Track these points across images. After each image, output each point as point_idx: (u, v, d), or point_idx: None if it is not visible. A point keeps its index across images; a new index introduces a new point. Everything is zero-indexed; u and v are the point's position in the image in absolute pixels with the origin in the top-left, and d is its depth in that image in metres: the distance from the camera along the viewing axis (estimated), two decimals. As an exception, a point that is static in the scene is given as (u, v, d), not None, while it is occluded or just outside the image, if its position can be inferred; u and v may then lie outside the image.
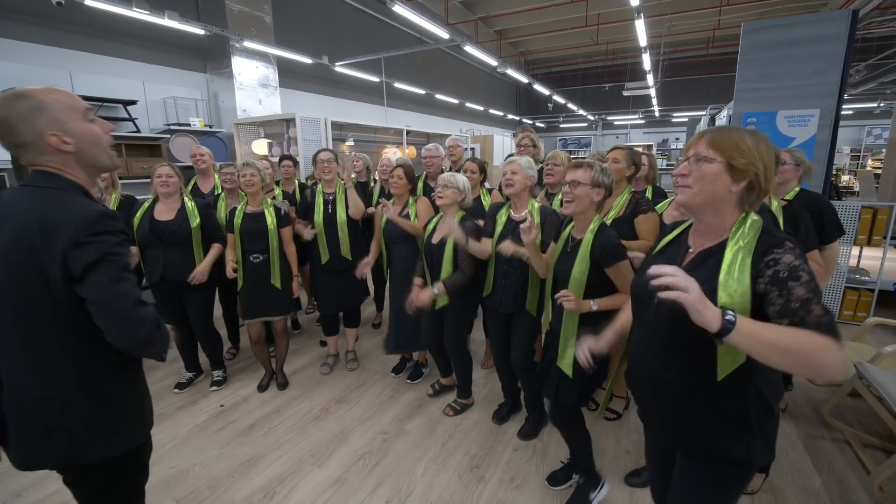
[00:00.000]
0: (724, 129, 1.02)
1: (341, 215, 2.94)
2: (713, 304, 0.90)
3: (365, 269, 2.93)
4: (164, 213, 2.69)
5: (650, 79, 11.65)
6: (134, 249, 2.44)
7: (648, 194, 2.83)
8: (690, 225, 1.17)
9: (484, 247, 2.30)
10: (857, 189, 9.82)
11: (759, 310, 0.95)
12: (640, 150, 2.77)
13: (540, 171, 2.93)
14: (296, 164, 4.08)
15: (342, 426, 2.57)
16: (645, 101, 16.88)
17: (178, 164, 5.32)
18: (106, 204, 2.75)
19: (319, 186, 2.99)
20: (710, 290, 0.97)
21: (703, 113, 9.03)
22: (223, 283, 3.02)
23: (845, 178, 11.43)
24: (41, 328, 1.01)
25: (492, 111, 17.00)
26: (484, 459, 2.28)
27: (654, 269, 0.92)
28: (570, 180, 1.70)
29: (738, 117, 4.17)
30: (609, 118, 19.56)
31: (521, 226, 1.83)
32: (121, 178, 3.38)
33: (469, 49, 8.00)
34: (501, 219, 2.30)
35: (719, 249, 1.02)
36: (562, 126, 21.30)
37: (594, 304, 1.67)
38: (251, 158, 3.80)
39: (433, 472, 2.19)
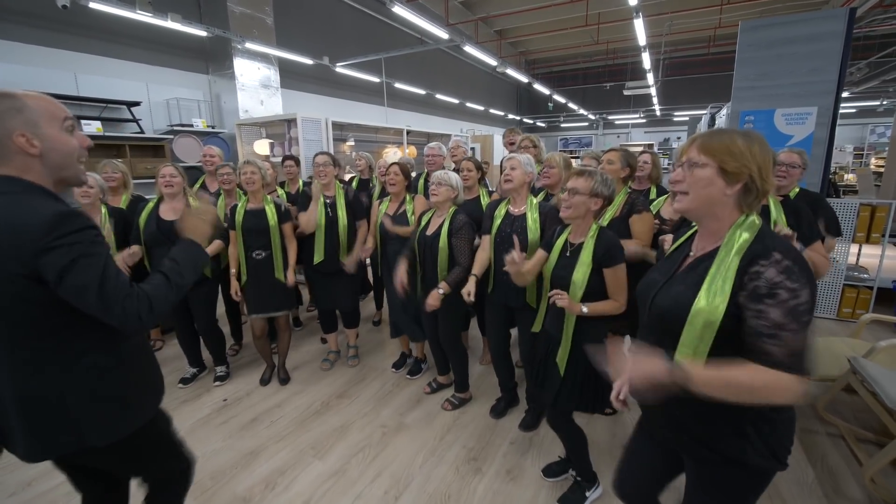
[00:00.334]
0: (716, 133, 1.03)
1: (342, 218, 2.98)
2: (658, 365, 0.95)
3: (366, 255, 3.04)
4: (170, 212, 2.74)
5: (650, 78, 11.66)
6: (136, 248, 2.49)
7: (652, 193, 2.86)
8: (695, 231, 1.16)
9: (485, 255, 2.35)
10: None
11: (737, 318, 0.95)
12: (642, 149, 2.79)
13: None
14: (298, 164, 4.13)
15: (342, 420, 2.62)
16: (646, 101, 16.89)
17: (182, 164, 5.39)
18: (115, 205, 2.81)
19: (318, 185, 3.02)
20: (693, 296, 1.00)
21: (705, 112, 9.06)
22: (226, 281, 3.06)
23: (848, 176, 11.41)
24: (20, 328, 1.03)
25: (492, 111, 17.04)
26: (481, 452, 2.32)
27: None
28: (570, 187, 1.72)
29: (736, 116, 4.19)
30: (610, 117, 19.57)
31: (506, 258, 1.81)
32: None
33: (469, 49, 8.04)
34: (500, 213, 2.34)
35: (713, 255, 1.02)
36: (562, 126, 21.32)
37: (585, 308, 1.68)
38: (252, 157, 3.85)
39: (431, 465, 2.23)
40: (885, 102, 14.01)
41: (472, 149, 8.48)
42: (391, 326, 3.08)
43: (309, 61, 7.87)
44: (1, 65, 4.65)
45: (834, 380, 2.65)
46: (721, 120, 6.53)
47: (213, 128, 6.66)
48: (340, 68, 8.93)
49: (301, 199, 3.12)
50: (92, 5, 4.63)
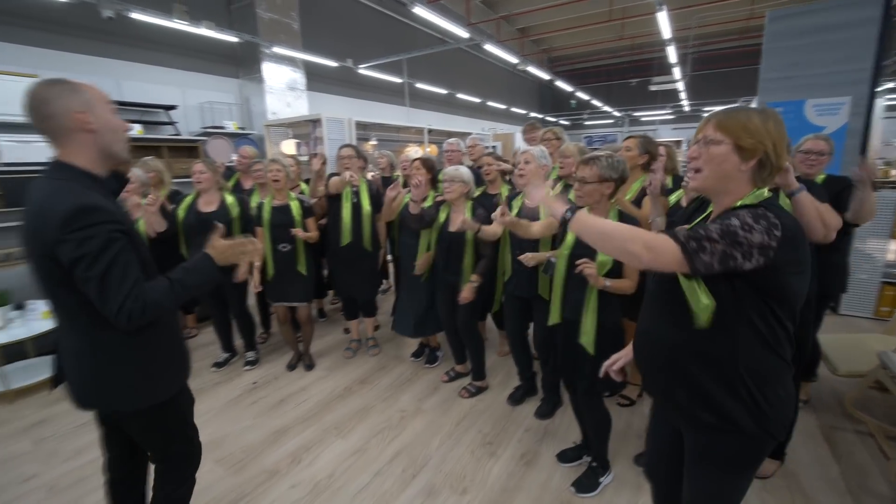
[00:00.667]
0: (732, 111, 1.05)
1: (366, 208, 3.10)
2: (560, 202, 1.21)
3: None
4: (206, 205, 2.96)
5: (677, 72, 11.40)
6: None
7: (669, 183, 2.85)
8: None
9: (495, 229, 2.41)
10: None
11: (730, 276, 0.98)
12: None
13: None
14: (324, 161, 4.28)
15: (363, 403, 2.74)
16: (673, 96, 16.49)
17: (225, 163, 5.64)
18: (156, 199, 3.00)
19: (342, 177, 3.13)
20: None
21: (735, 106, 8.81)
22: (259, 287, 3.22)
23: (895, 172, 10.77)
24: (57, 297, 1.16)
25: (514, 109, 16.97)
26: (496, 437, 2.39)
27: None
28: (579, 178, 1.79)
29: (763, 107, 4.10)
30: (636, 114, 19.18)
31: (494, 214, 1.90)
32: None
33: (490, 48, 8.08)
34: (516, 205, 2.40)
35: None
36: (586, 123, 21.03)
37: (608, 283, 1.74)
38: (277, 156, 4.02)
39: (447, 447, 2.32)
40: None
41: (493, 147, 8.52)
42: (395, 322, 3.12)
43: (333, 63, 8.08)
44: (51, 73, 4.95)
45: (863, 375, 2.59)
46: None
47: (243, 129, 6.94)
48: (363, 70, 9.12)
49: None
50: (133, 15, 4.91)
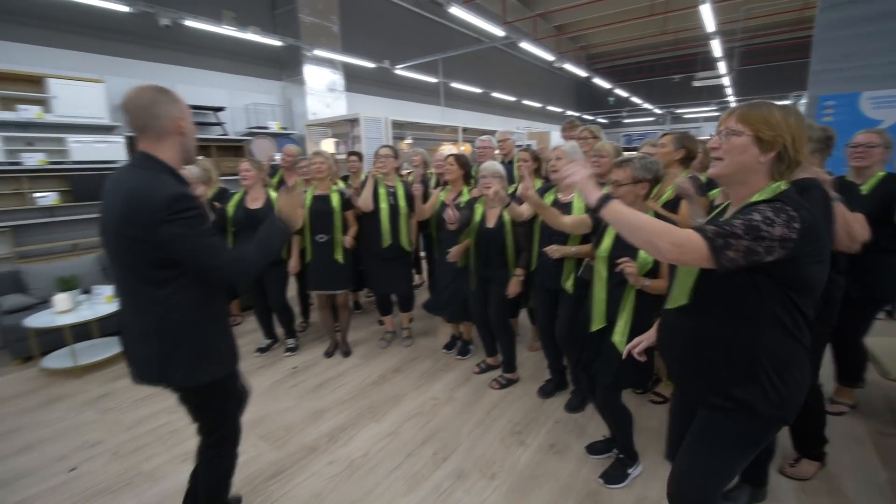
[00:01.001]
0: (755, 104, 1.08)
1: (403, 207, 3.20)
2: (596, 189, 1.15)
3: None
4: (253, 201, 3.14)
5: (722, 67, 10.95)
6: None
7: (703, 179, 2.80)
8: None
9: (525, 209, 2.44)
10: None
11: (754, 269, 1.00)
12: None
13: None
14: (361, 158, 4.43)
15: (397, 390, 2.84)
16: (719, 92, 15.84)
17: (271, 161, 5.92)
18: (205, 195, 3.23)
19: (380, 178, 3.24)
20: None
21: (788, 102, 8.40)
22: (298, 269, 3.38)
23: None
24: (135, 278, 1.31)
25: (550, 108, 16.78)
26: (526, 427, 2.43)
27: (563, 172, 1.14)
28: (613, 181, 1.81)
29: (814, 101, 3.92)
30: (678, 111, 18.54)
31: (486, 193, 1.95)
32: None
33: (525, 46, 8.07)
34: (548, 200, 2.42)
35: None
36: (625, 121, 20.51)
37: (647, 282, 1.75)
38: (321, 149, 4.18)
39: (478, 434, 2.38)
40: None
41: (528, 145, 8.48)
42: (429, 302, 3.25)
43: (371, 65, 8.29)
44: (114, 78, 5.39)
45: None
46: (799, 109, 6.06)
47: (285, 129, 7.24)
48: (400, 70, 9.30)
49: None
50: (187, 23, 5.24)
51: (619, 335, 1.80)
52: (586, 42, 17.28)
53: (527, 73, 15.78)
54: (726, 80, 12.51)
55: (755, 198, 1.06)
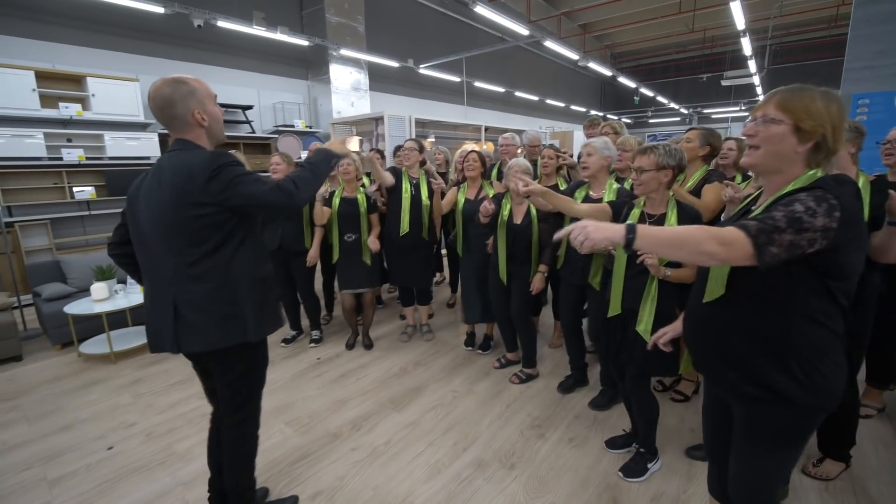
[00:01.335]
0: (796, 91, 1.03)
1: (425, 200, 3.25)
2: (616, 225, 1.03)
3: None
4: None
5: (752, 66, 10.67)
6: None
7: (737, 180, 2.76)
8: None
9: (560, 202, 2.38)
10: None
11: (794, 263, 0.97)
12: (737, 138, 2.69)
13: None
14: (383, 156, 4.51)
15: (418, 383, 2.89)
16: (749, 91, 15.44)
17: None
18: None
19: (404, 170, 3.30)
20: None
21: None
22: (323, 259, 3.47)
23: None
24: (194, 250, 1.36)
25: (573, 107, 16.63)
26: (545, 421, 2.45)
27: (556, 236, 1.10)
28: (637, 167, 1.81)
29: (848, 99, 3.81)
30: (706, 111, 18.13)
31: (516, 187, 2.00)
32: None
33: (550, 44, 8.03)
34: (579, 196, 2.44)
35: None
36: (651, 122, 20.16)
37: (668, 272, 1.76)
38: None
39: (497, 426, 2.41)
40: None
41: (551, 145, 8.45)
42: (464, 310, 3.27)
43: (395, 64, 8.39)
44: (148, 77, 5.60)
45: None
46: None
47: (310, 128, 7.40)
48: (423, 69, 9.37)
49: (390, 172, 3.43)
50: (220, 24, 5.41)
51: (643, 325, 1.81)
52: (611, 41, 17.05)
53: (550, 72, 15.68)
54: (756, 80, 12.17)
55: (791, 186, 1.02)
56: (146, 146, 5.54)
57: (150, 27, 5.90)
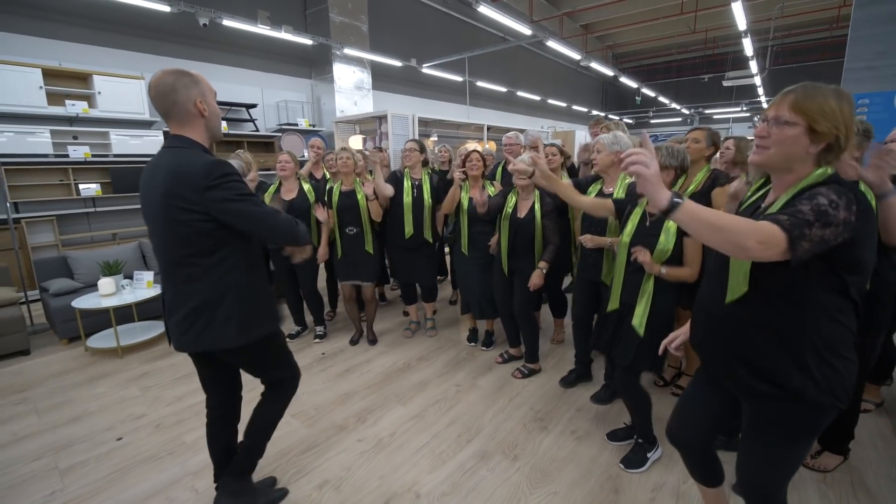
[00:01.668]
0: (809, 90, 1.01)
1: (427, 200, 3.28)
2: (663, 190, 0.98)
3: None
4: (287, 192, 3.27)
5: (754, 66, 10.69)
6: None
7: (743, 177, 2.78)
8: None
9: (565, 190, 2.30)
10: None
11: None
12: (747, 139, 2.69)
13: None
14: (383, 151, 4.54)
15: (422, 377, 2.93)
16: (750, 92, 15.46)
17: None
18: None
19: (406, 171, 3.34)
20: None
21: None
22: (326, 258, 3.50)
23: None
24: (185, 249, 1.38)
25: (575, 107, 16.66)
26: (548, 414, 2.48)
27: (626, 152, 1.02)
28: None
29: (848, 99, 3.85)
30: (707, 112, 18.15)
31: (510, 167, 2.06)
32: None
33: (552, 44, 8.07)
34: (593, 191, 2.47)
35: None
36: (652, 122, 20.18)
37: (663, 269, 1.79)
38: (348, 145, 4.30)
39: (500, 419, 2.44)
40: None
41: (554, 145, 8.47)
42: (462, 303, 3.32)
43: (398, 63, 8.42)
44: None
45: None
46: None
47: (314, 126, 7.44)
48: (426, 69, 9.41)
49: (390, 180, 3.47)
50: (225, 22, 5.45)
51: (638, 319, 1.84)
52: (613, 41, 17.08)
53: (552, 72, 15.71)
54: (758, 80, 12.19)
55: (804, 183, 1.02)
56: (151, 144, 5.58)
57: (156, 26, 5.94)
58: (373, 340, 3.46)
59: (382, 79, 9.10)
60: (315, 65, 7.83)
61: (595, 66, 9.87)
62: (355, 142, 6.34)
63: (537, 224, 2.65)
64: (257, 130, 6.78)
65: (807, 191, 1.00)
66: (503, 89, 12.18)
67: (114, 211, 5.49)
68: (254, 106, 6.72)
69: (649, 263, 1.77)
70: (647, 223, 1.89)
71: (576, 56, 9.12)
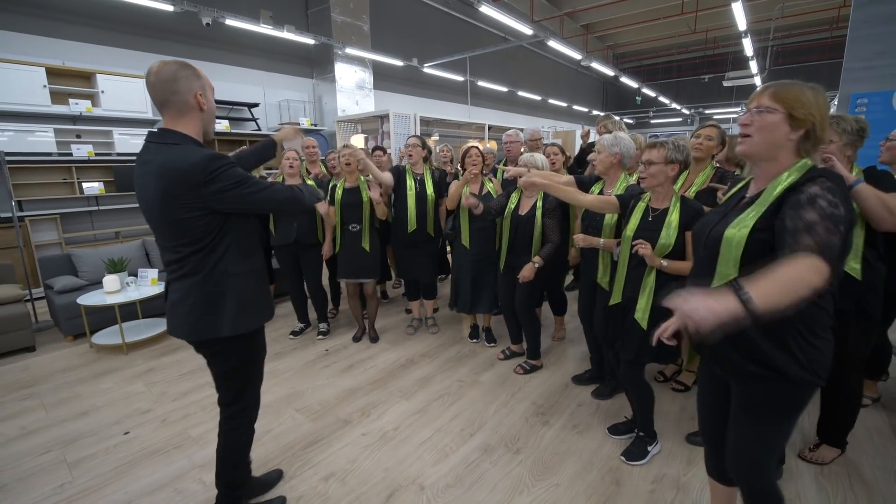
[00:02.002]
0: (787, 83, 1.12)
1: (430, 193, 3.31)
2: (722, 296, 0.92)
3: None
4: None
5: (754, 66, 10.73)
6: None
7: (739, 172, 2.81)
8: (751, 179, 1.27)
9: (565, 193, 2.34)
10: None
11: (762, 241, 1.06)
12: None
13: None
14: (386, 153, 4.56)
15: (424, 373, 2.97)
16: (751, 92, 15.42)
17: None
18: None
19: (408, 167, 3.37)
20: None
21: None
22: (332, 254, 3.53)
23: None
24: (180, 240, 1.38)
25: (575, 107, 16.69)
26: (550, 409, 2.52)
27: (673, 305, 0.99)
28: (645, 160, 1.86)
29: (847, 99, 3.89)
30: (707, 112, 18.19)
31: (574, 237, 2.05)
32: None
33: (553, 44, 8.10)
34: (596, 190, 2.50)
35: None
36: (652, 122, 20.22)
37: (664, 262, 1.83)
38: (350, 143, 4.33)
39: (503, 413, 2.48)
40: None
41: (554, 144, 8.50)
42: (451, 296, 3.32)
43: (399, 63, 8.46)
44: (159, 75, 5.67)
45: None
46: (832, 108, 5.95)
47: (315, 125, 7.46)
48: (428, 69, 9.44)
49: (392, 174, 3.49)
50: (228, 22, 5.48)
51: (640, 312, 1.88)
52: (613, 41, 17.11)
53: (553, 72, 15.74)
54: (758, 80, 12.22)
55: (787, 175, 1.10)
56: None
57: (160, 25, 5.97)
58: (374, 338, 3.49)
59: (384, 78, 9.13)
60: (317, 64, 7.86)
61: (595, 66, 9.90)
62: (357, 141, 6.37)
63: (537, 222, 2.68)
64: (259, 129, 6.81)
65: (795, 189, 1.06)
66: (504, 89, 12.21)
67: (117, 210, 5.52)
68: (256, 105, 6.75)
69: (650, 256, 1.80)
70: (650, 218, 1.92)
71: (576, 56, 9.15)
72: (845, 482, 1.90)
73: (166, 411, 2.58)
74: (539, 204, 2.69)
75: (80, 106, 5.10)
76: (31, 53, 5.03)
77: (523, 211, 2.74)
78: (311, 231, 3.39)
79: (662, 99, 16.19)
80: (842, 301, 1.63)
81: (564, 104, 16.00)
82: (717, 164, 2.50)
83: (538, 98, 14.07)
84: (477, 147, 3.17)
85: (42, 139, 4.91)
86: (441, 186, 3.39)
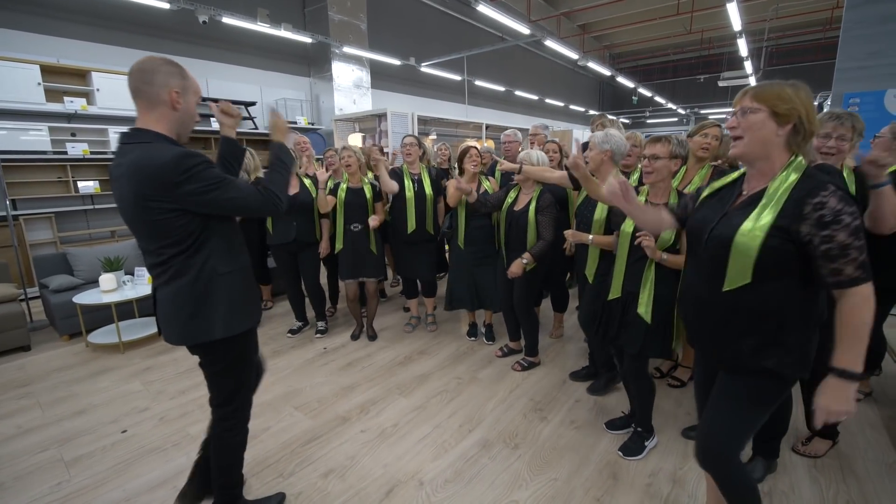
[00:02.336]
0: (766, 83, 1.16)
1: (429, 192, 3.32)
2: (839, 390, 1.08)
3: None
4: (291, 188, 3.27)
5: (748, 67, 10.80)
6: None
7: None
8: (744, 173, 1.29)
9: (536, 172, 2.53)
10: None
11: (778, 245, 1.09)
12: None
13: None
14: (383, 152, 4.57)
15: (423, 370, 2.97)
16: (745, 93, 15.56)
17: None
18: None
19: (405, 166, 3.38)
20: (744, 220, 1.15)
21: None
22: (328, 252, 3.53)
23: None
24: (165, 245, 1.35)
25: (572, 107, 16.74)
26: (547, 405, 2.53)
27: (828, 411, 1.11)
28: (650, 154, 1.87)
29: (839, 98, 3.93)
30: (703, 112, 18.30)
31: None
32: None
33: (550, 44, 8.12)
34: (584, 193, 2.51)
35: (764, 192, 1.15)
36: (649, 122, 20.31)
37: (665, 256, 1.84)
38: (350, 143, 4.33)
39: (501, 410, 2.49)
40: None
41: (554, 142, 8.54)
42: (447, 297, 3.31)
43: (397, 62, 8.46)
44: (155, 73, 5.65)
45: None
46: (826, 107, 6.01)
47: (312, 124, 7.45)
48: (425, 68, 9.44)
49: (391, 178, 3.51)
50: (225, 20, 5.47)
51: (643, 306, 1.89)
52: (610, 41, 17.17)
53: (550, 71, 15.78)
54: (752, 81, 12.29)
55: (784, 174, 1.13)
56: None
57: (156, 23, 5.94)
58: (373, 336, 3.49)
59: (381, 77, 9.13)
60: (314, 63, 7.85)
61: (592, 65, 9.94)
62: (355, 140, 6.37)
63: (530, 218, 2.68)
64: (256, 128, 6.79)
65: (810, 194, 1.07)
66: (501, 88, 12.24)
67: (112, 208, 5.49)
68: (253, 104, 6.73)
69: (652, 248, 1.82)
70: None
71: (573, 56, 9.18)
72: (838, 475, 1.93)
73: (164, 409, 2.57)
74: (533, 202, 2.70)
75: (75, 104, 5.07)
76: (25, 51, 4.99)
77: (518, 207, 2.75)
78: (310, 229, 3.40)
79: (658, 99, 16.28)
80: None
81: (561, 104, 16.05)
82: (714, 164, 2.51)
83: (535, 97, 14.11)
84: (475, 147, 3.19)
85: (37, 137, 4.87)
86: (439, 184, 3.40)
